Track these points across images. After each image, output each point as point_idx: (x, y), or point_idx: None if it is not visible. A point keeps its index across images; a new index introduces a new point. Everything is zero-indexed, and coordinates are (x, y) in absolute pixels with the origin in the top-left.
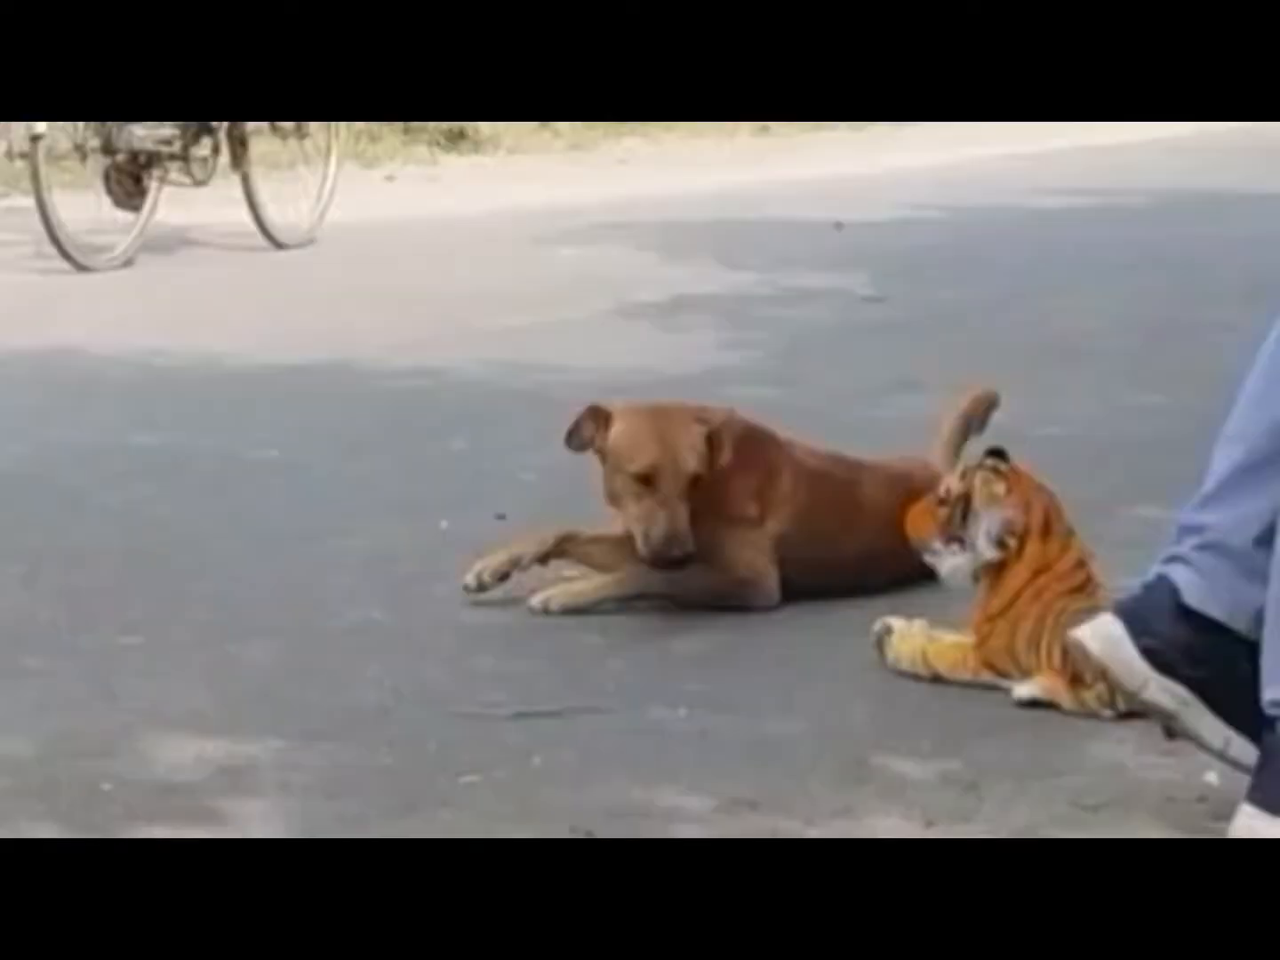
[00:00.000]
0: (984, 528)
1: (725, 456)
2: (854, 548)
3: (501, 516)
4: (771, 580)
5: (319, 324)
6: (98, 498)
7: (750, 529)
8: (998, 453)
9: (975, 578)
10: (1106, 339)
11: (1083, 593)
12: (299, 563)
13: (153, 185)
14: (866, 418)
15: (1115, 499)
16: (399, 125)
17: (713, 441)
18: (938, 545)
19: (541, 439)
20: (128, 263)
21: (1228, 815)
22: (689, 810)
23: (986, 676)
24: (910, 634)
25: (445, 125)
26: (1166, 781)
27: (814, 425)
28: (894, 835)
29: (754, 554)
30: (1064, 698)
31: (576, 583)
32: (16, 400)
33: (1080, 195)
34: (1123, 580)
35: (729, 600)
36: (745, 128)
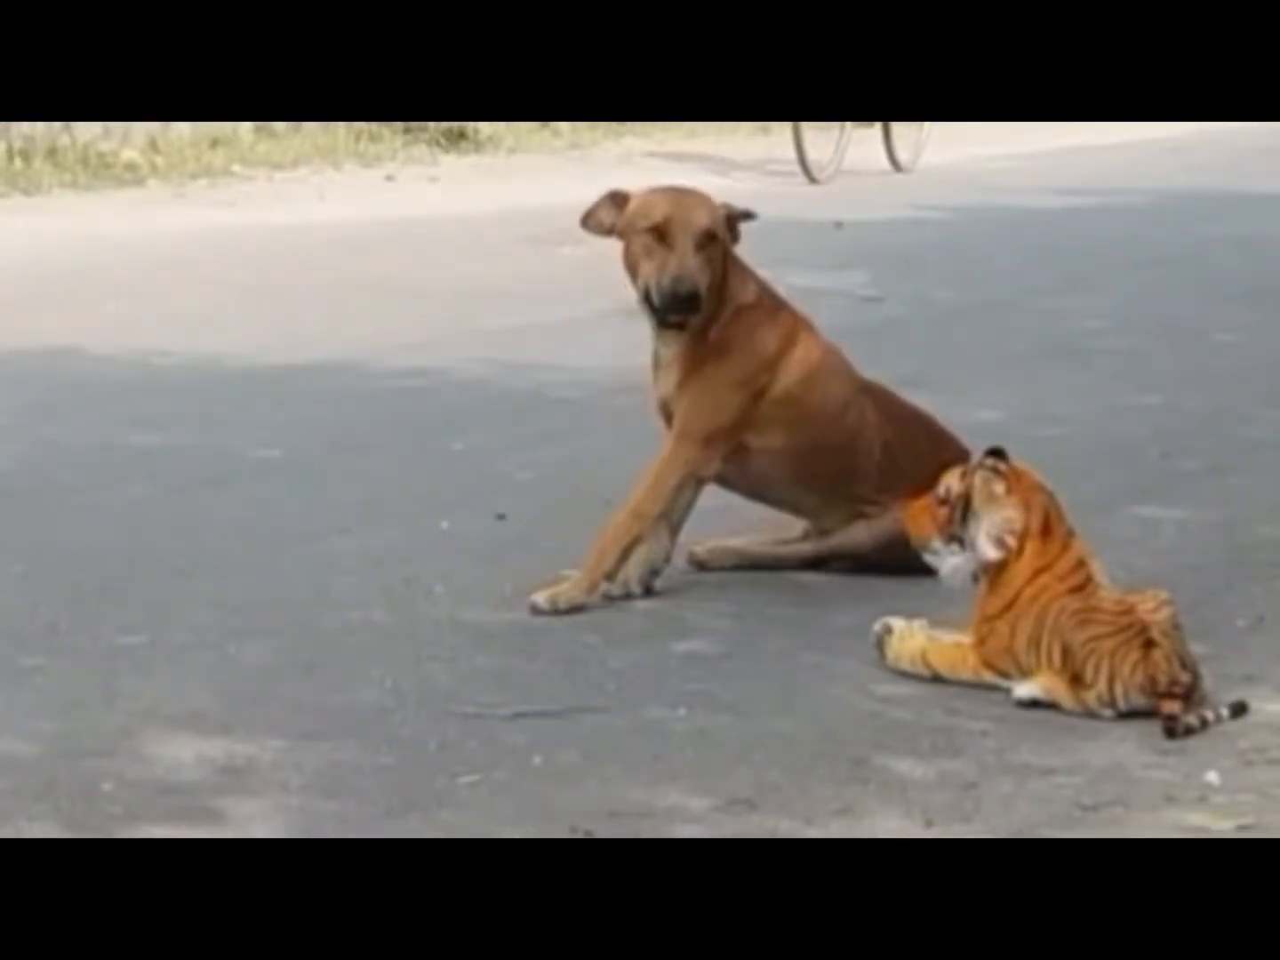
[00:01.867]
0: (984, 528)
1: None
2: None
3: (502, 516)
4: None
5: (319, 324)
6: (98, 498)
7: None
8: (998, 452)
9: (975, 577)
10: (1106, 339)
11: (1082, 592)
12: (299, 563)
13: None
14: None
15: (1115, 499)
16: (399, 125)
17: (731, 223)
18: (938, 545)
19: (541, 439)
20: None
21: (1228, 815)
22: (689, 810)
23: (987, 676)
24: (910, 634)
25: (445, 125)
26: (1166, 781)
27: None
28: (894, 835)
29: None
30: (1064, 698)
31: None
32: (16, 400)
33: (1080, 195)
34: (1123, 580)
35: None
36: (745, 128)
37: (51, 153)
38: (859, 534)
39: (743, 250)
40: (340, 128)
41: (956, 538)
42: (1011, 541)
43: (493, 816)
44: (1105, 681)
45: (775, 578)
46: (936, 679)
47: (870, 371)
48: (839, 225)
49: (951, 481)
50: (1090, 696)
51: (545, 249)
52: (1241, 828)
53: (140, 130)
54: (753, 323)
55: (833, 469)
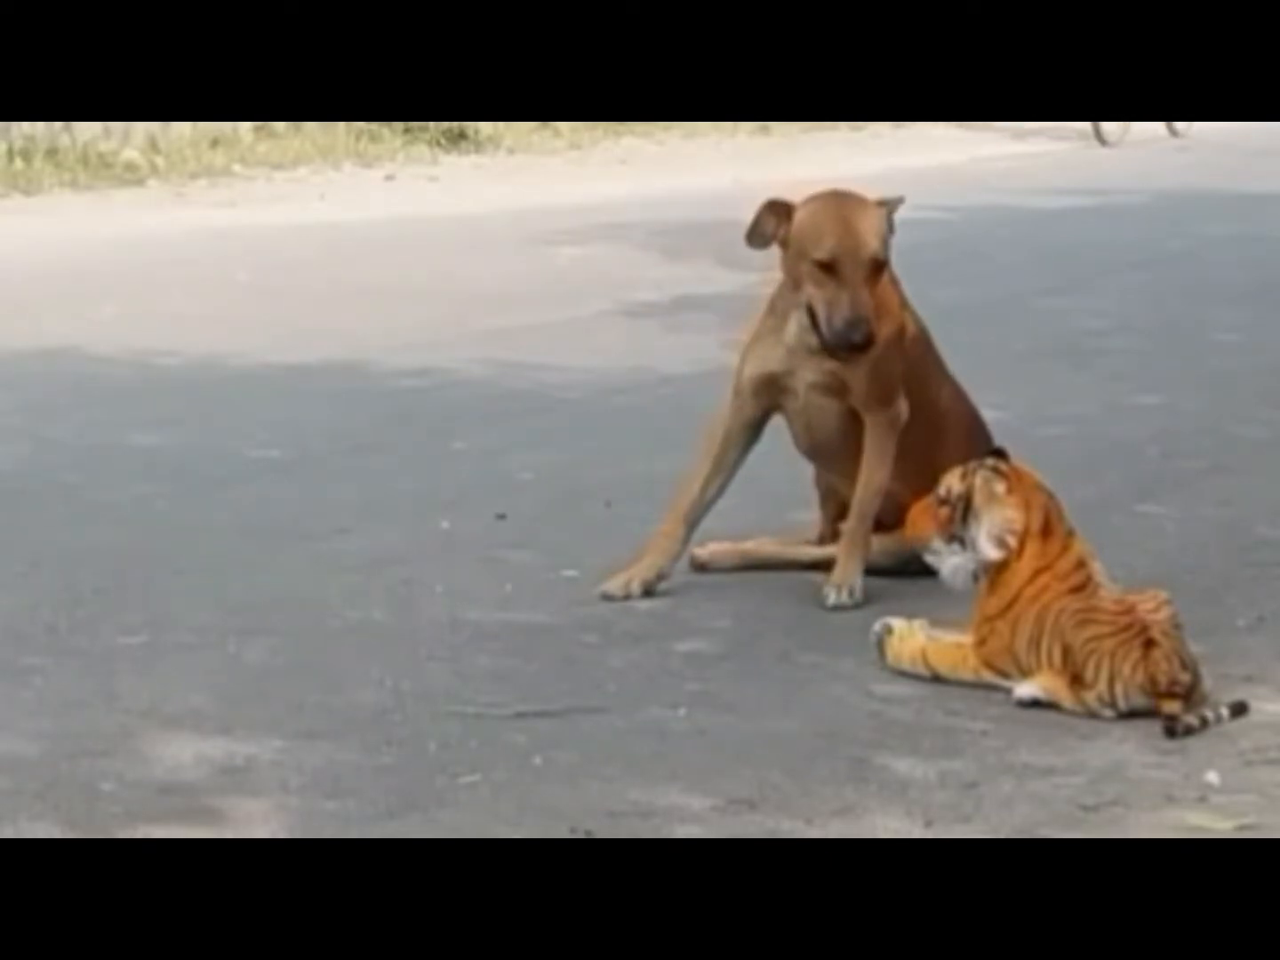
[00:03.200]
0: (984, 528)
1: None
2: None
3: (502, 516)
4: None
5: (319, 324)
6: (98, 498)
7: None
8: (999, 453)
9: (976, 577)
10: (1106, 339)
11: (1083, 592)
12: (299, 563)
13: None
14: None
15: (1115, 499)
16: (399, 125)
17: (890, 220)
18: (939, 545)
19: (541, 439)
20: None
21: (1228, 815)
22: (689, 810)
23: (987, 676)
24: (910, 634)
25: (445, 125)
26: (1166, 781)
27: None
28: (894, 835)
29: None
30: (1064, 697)
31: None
32: (16, 400)
33: (1080, 195)
34: (1123, 580)
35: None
36: (745, 128)
37: (51, 153)
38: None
39: (743, 250)
40: (340, 128)
41: (957, 538)
42: (1012, 541)
43: (493, 816)
44: (1105, 682)
45: (775, 578)
46: (936, 679)
47: None
48: None
49: (953, 482)
50: (1090, 696)
51: (545, 249)
52: (1241, 828)
53: (140, 130)
54: (882, 285)
55: (926, 439)
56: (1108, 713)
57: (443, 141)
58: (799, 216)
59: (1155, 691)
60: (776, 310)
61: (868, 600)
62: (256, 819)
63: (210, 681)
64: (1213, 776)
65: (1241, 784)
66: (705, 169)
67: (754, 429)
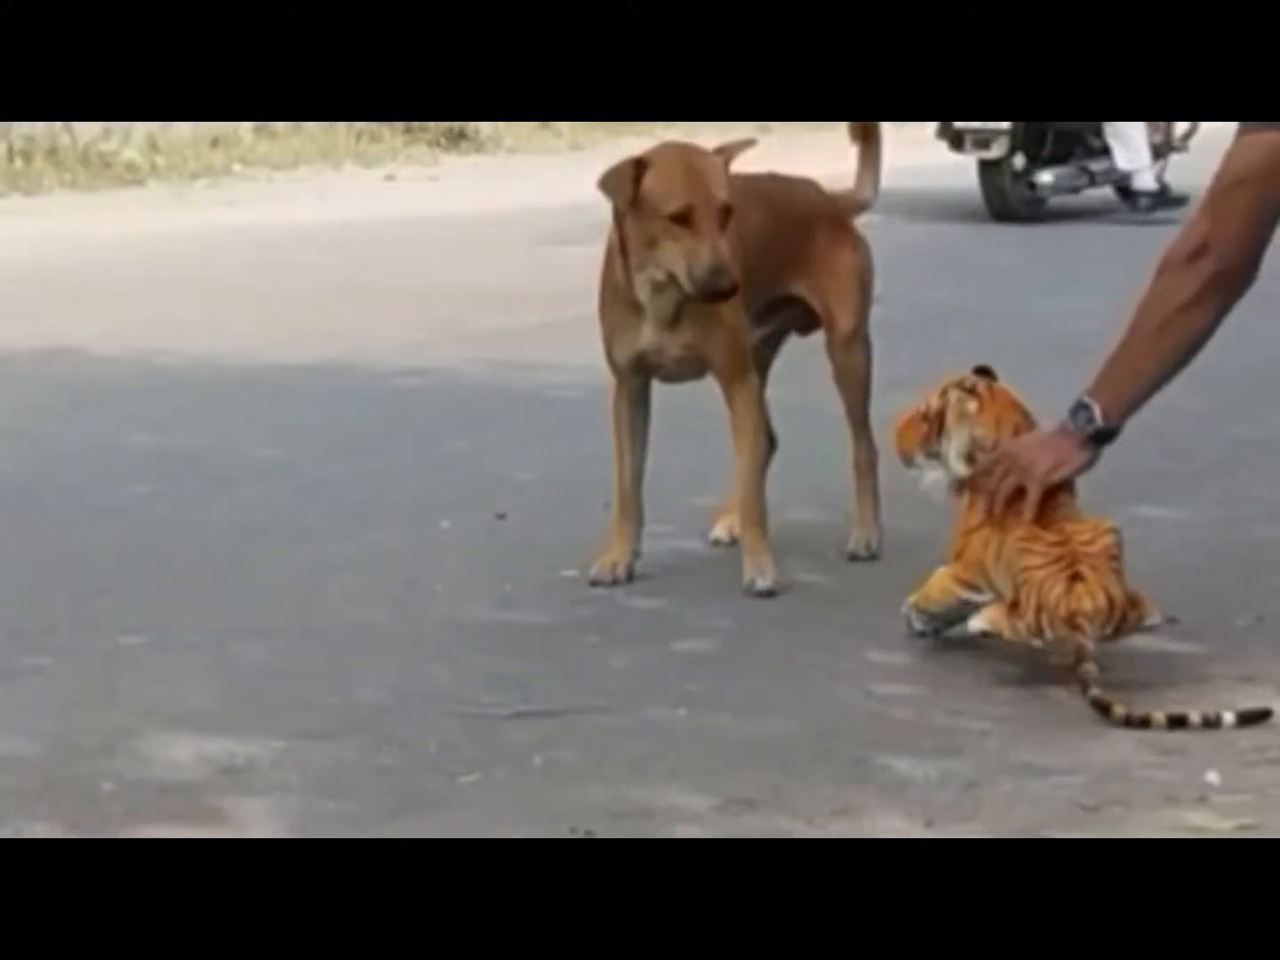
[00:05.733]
0: (955, 445)
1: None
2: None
3: (502, 516)
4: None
5: (319, 324)
6: (98, 498)
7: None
8: (984, 370)
9: (955, 492)
10: (1106, 339)
11: (1046, 515)
12: (299, 563)
13: None
14: None
15: (1115, 499)
16: (399, 125)
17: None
18: (920, 459)
19: (541, 439)
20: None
21: (1228, 815)
22: (689, 810)
23: (959, 592)
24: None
25: (445, 125)
26: (1166, 781)
27: (813, 424)
28: (894, 835)
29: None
30: (1004, 628)
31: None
32: (16, 400)
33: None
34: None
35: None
36: (745, 128)
37: (51, 153)
38: None
39: None
40: (340, 128)
41: (935, 453)
42: (980, 457)
43: (493, 816)
44: (1033, 611)
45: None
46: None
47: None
48: None
49: (931, 398)
50: (1021, 625)
51: (545, 249)
52: (1241, 828)
53: (140, 130)
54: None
55: None
56: (1036, 642)
57: (443, 141)
58: (647, 179)
59: (1072, 626)
60: (619, 287)
61: (868, 601)
62: (256, 819)
63: (210, 681)
64: (1213, 776)
65: (1241, 784)
66: None
67: (644, 394)
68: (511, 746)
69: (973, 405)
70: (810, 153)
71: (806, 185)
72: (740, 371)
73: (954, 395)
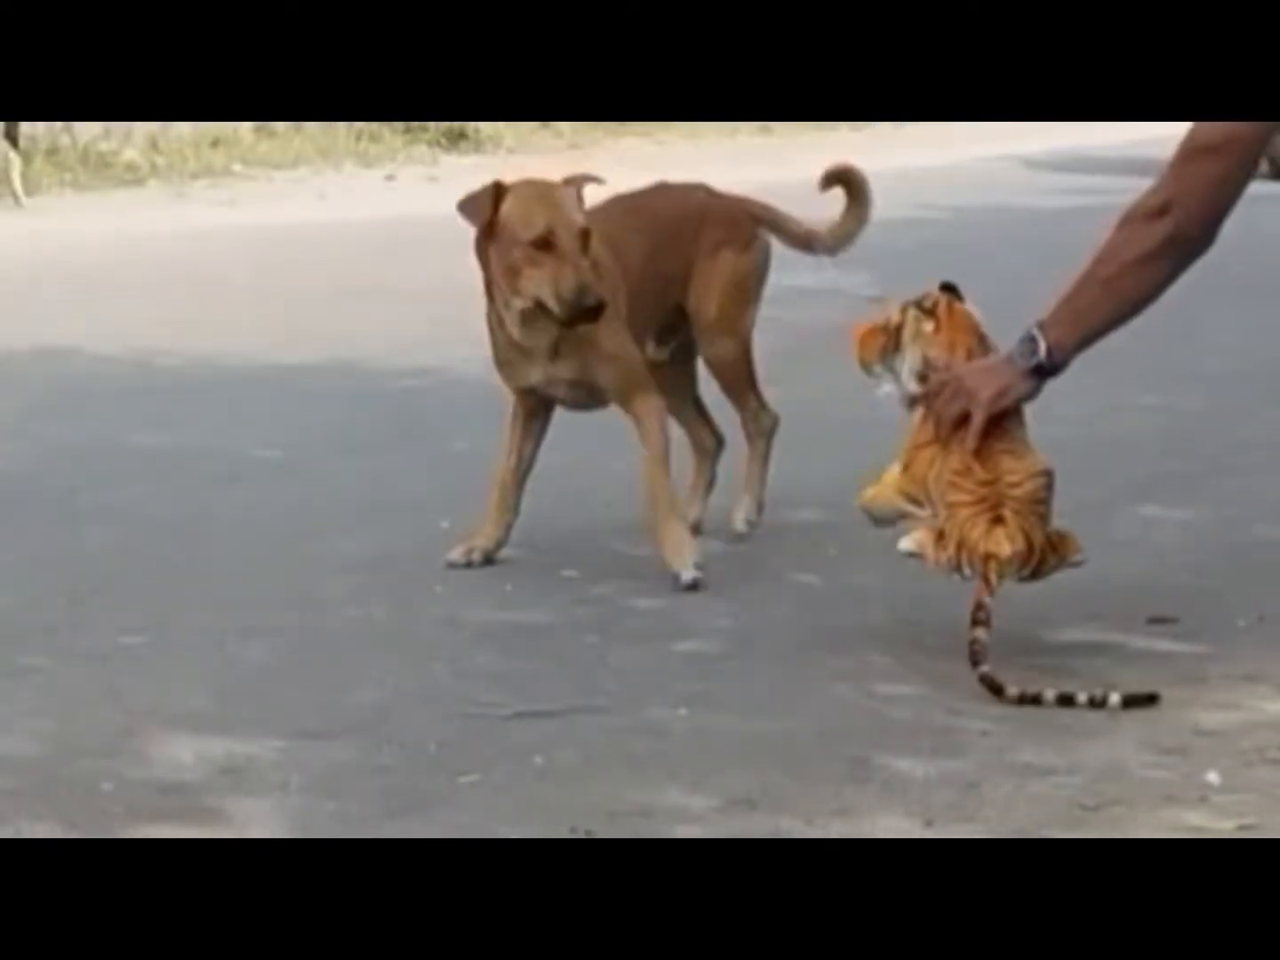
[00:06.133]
0: (908, 362)
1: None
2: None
3: None
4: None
5: (319, 324)
6: (98, 498)
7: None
8: (950, 288)
9: (907, 406)
10: (1106, 339)
11: (990, 454)
12: (299, 563)
13: None
14: (866, 417)
15: (1115, 499)
16: (399, 125)
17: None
18: (877, 369)
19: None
20: None
21: (1228, 815)
22: (689, 810)
23: (900, 503)
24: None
25: (445, 125)
26: (1166, 781)
27: (813, 424)
28: (894, 835)
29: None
30: (930, 555)
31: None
32: (16, 400)
33: (1080, 195)
34: (1123, 580)
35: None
36: (745, 128)
37: (52, 153)
38: None
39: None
40: (340, 128)
41: (890, 367)
42: (932, 376)
43: (493, 816)
44: (954, 547)
45: (775, 578)
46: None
47: None
48: None
49: (893, 312)
50: (944, 557)
51: None
52: (1241, 828)
53: (140, 130)
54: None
55: None
56: (956, 577)
57: (443, 141)
58: (505, 205)
59: (985, 573)
60: (498, 327)
61: (868, 601)
62: (256, 819)
63: (210, 681)
64: (1213, 776)
65: (1241, 784)
66: (705, 169)
67: (540, 408)
68: (511, 746)
69: (929, 326)
70: (810, 153)
71: (695, 190)
72: (635, 391)
73: (912, 313)
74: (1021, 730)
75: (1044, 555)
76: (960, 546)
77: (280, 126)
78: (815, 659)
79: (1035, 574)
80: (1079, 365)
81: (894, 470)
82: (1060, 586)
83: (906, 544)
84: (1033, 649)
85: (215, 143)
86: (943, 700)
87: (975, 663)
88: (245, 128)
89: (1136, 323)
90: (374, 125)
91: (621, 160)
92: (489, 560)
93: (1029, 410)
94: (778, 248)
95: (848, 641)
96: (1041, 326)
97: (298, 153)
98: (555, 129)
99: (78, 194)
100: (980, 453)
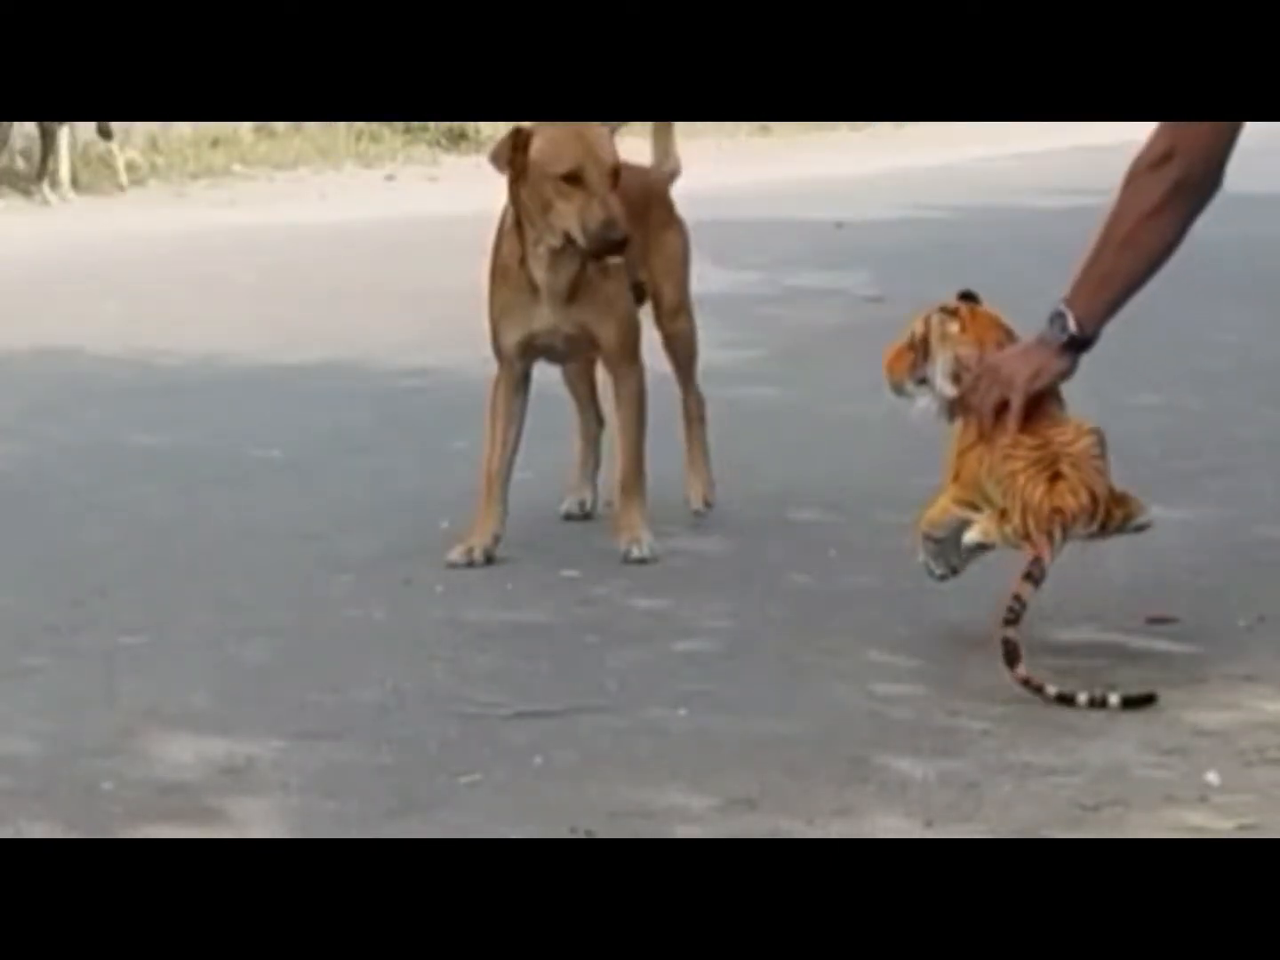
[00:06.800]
0: (940, 366)
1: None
2: None
3: None
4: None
5: (319, 324)
6: (98, 497)
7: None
8: (968, 295)
9: (947, 415)
10: (1107, 339)
11: (1031, 425)
12: (299, 563)
13: None
14: (866, 417)
15: None
16: (399, 125)
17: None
18: (910, 387)
19: (541, 439)
20: None
21: (1228, 815)
22: (689, 810)
23: (956, 512)
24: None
25: (445, 125)
26: (1166, 781)
27: (813, 424)
28: (894, 835)
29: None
30: (994, 536)
31: None
32: (16, 400)
33: (1080, 195)
34: (1123, 581)
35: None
36: (745, 128)
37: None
38: None
39: (743, 250)
40: (340, 128)
41: (923, 379)
42: (966, 376)
43: (493, 816)
44: (1019, 514)
45: (775, 578)
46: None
47: (870, 371)
48: (839, 225)
49: (916, 325)
50: (1009, 529)
51: None
52: (1241, 828)
53: (140, 130)
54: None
55: None
56: (1027, 545)
57: (443, 141)
58: (535, 144)
59: (1049, 529)
60: (510, 269)
61: (868, 601)
62: (256, 819)
63: (210, 681)
64: (1213, 776)
65: (1241, 784)
66: (705, 169)
67: (524, 382)
68: (511, 746)
69: (954, 327)
70: (810, 153)
71: (641, 171)
72: (630, 355)
73: (935, 319)
74: (1021, 730)
75: (1109, 510)
76: (1025, 512)
77: (280, 126)
78: (815, 659)
79: (1103, 529)
80: (1079, 366)
81: (942, 494)
82: (1060, 586)
83: (973, 536)
84: (1033, 649)
85: (215, 143)
86: (943, 700)
87: (1010, 662)
88: (245, 128)
89: (1137, 322)
90: (374, 125)
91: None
92: (490, 558)
93: None
94: (782, 251)
95: (848, 641)
96: (1068, 301)
97: (298, 153)
98: None
99: (78, 194)
100: (1025, 431)
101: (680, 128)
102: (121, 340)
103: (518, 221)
